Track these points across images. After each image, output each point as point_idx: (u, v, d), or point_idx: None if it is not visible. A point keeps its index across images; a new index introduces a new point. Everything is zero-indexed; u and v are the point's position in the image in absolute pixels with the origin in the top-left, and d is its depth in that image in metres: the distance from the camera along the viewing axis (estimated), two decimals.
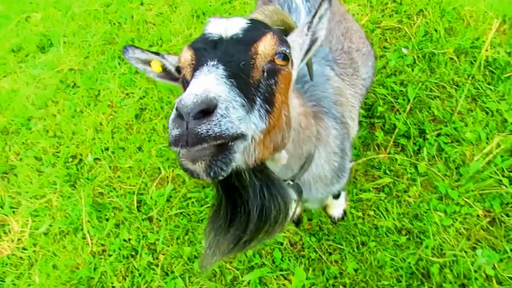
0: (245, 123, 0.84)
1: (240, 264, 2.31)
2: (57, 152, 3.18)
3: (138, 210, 2.68)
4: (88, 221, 2.73)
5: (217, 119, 0.77)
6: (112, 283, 2.45)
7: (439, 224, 2.11)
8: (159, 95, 3.20)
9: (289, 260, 2.24)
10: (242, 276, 2.27)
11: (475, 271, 1.95)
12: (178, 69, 1.04)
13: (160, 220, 2.59)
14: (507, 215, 2.05)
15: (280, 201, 1.08)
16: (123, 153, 2.99)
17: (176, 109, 0.78)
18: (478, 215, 2.10)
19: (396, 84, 2.64)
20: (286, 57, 1.01)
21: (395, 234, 2.16)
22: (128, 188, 2.79)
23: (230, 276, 2.29)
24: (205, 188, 2.62)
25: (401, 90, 2.61)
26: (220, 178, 0.84)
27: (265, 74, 0.96)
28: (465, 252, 2.02)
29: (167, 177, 2.75)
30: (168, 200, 2.65)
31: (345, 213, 2.28)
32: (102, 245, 2.63)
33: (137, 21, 3.79)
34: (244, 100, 0.85)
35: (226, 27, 0.99)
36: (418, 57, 2.72)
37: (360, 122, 2.57)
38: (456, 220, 2.11)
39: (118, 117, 3.22)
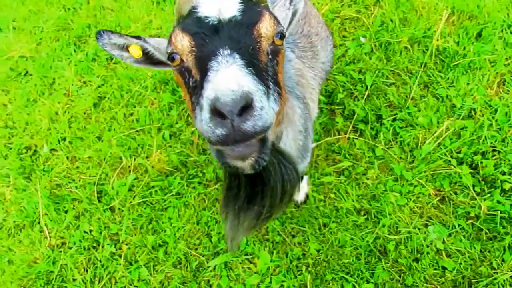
0: (271, 112, 0.85)
1: (205, 250, 2.32)
2: (9, 144, 3.01)
3: (99, 201, 2.61)
4: (46, 214, 2.63)
5: (258, 113, 0.77)
6: (73, 275, 2.38)
7: (394, 204, 2.22)
8: (118, 83, 3.11)
9: (254, 244, 2.27)
10: (207, 262, 2.28)
11: (427, 246, 2.08)
12: (172, 56, 0.98)
13: (122, 210, 2.54)
14: (455, 193, 2.20)
15: (294, 170, 1.16)
16: (82, 143, 2.89)
17: (213, 107, 0.75)
18: (429, 194, 2.23)
19: (354, 72, 2.72)
20: (283, 36, 1.00)
21: (355, 214, 2.25)
22: (88, 179, 2.70)
23: (195, 262, 2.29)
24: (168, 177, 2.59)
25: (360, 78, 2.70)
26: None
27: (270, 56, 0.96)
28: (418, 229, 2.15)
29: (129, 166, 2.69)
30: (130, 190, 2.60)
31: (307, 196, 2.35)
32: (62, 238, 2.55)
33: (93, 6, 3.63)
34: (264, 87, 0.85)
35: (220, 8, 0.94)
36: (375, 45, 2.82)
37: (321, 109, 2.64)
38: (410, 199, 2.23)
39: (75, 106, 3.10)
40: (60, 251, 2.48)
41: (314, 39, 1.84)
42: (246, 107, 0.75)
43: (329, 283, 2.10)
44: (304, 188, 2.33)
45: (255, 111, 0.77)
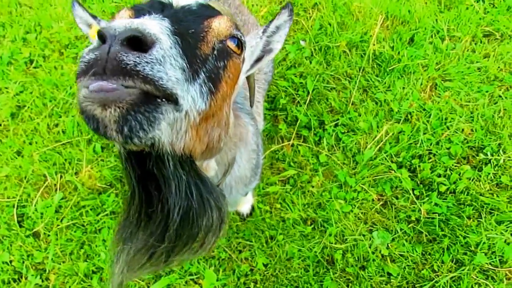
0: (181, 88, 0.63)
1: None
2: None
3: (20, 226, 2.25)
4: None
5: (151, 58, 0.57)
6: None
7: (340, 212, 2.16)
8: (40, 89, 2.72)
9: (198, 263, 2.09)
10: (148, 287, 2.05)
11: (373, 253, 2.05)
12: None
13: (48, 235, 2.21)
14: (397, 198, 2.19)
15: (214, 206, 0.84)
16: None
17: (99, 34, 0.56)
18: (373, 199, 2.20)
19: (296, 76, 2.62)
20: (239, 44, 0.84)
21: (301, 224, 2.15)
22: (6, 201, 2.32)
23: None
24: (101, 194, 2.30)
25: (301, 82, 2.61)
26: (135, 141, 0.60)
27: (215, 52, 0.78)
28: (363, 235, 2.10)
29: (55, 184, 2.35)
30: (57, 211, 2.27)
31: (253, 208, 2.21)
32: None
33: (7, 2, 3.15)
34: (186, 65, 0.65)
35: (177, 1, 0.80)
36: (315, 49, 2.74)
37: (264, 115, 2.51)
38: (355, 206, 2.18)
39: None
40: None
41: None
42: (139, 45, 0.56)
43: None
44: (249, 200, 2.19)
45: (149, 55, 0.57)
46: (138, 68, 0.55)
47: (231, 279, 2.04)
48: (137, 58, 0.56)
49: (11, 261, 2.16)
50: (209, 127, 0.78)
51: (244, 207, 2.18)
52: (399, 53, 2.65)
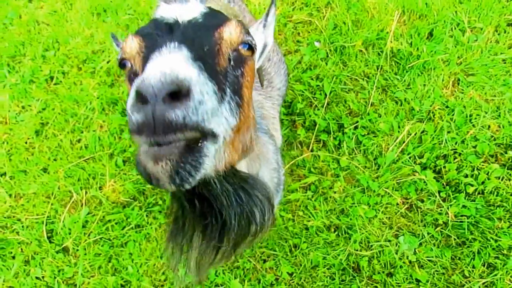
0: (217, 117, 0.66)
1: (172, 286, 2.09)
2: None
3: (50, 242, 2.29)
4: None
5: (194, 105, 0.58)
6: None
7: (364, 217, 2.10)
8: (62, 106, 2.75)
9: (224, 274, 2.08)
10: None
11: (400, 259, 1.98)
12: (122, 63, 0.80)
13: (77, 250, 2.24)
14: (422, 201, 2.11)
15: (262, 198, 0.91)
16: (25, 177, 2.53)
17: (136, 91, 0.57)
18: (397, 203, 2.13)
19: (312, 79, 2.56)
20: (251, 48, 0.84)
21: (325, 232, 2.11)
22: (35, 218, 2.37)
23: None
24: (125, 208, 2.32)
25: (318, 85, 2.54)
26: (186, 187, 0.65)
27: (232, 63, 0.79)
28: (389, 241, 2.04)
29: (81, 200, 2.38)
30: (84, 226, 2.30)
31: (276, 217, 2.17)
32: (11, 287, 2.21)
33: (26, 21, 3.20)
34: (215, 86, 0.67)
35: (181, 11, 0.80)
36: (330, 50, 2.67)
37: (281, 120, 2.46)
38: (379, 210, 2.12)
39: (14, 135, 2.71)
40: None
41: (266, 65, 1.64)
42: (178, 95, 0.57)
43: None
44: None
45: (191, 101, 0.58)
46: (186, 121, 0.57)
47: None
48: (184, 111, 0.57)
49: (43, 277, 2.20)
50: (241, 136, 0.82)
51: None
52: (418, 49, 2.55)
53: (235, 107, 0.75)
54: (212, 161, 0.68)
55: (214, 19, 0.80)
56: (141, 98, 0.57)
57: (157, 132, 0.57)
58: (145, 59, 0.74)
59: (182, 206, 0.86)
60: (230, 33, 0.79)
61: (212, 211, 0.85)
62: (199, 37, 0.74)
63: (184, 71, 0.60)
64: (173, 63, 0.61)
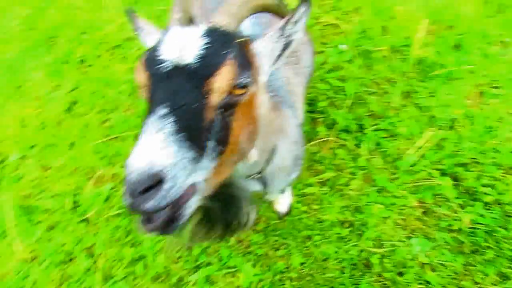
0: (194, 174, 0.82)
1: (186, 263, 2.15)
2: None
3: (73, 212, 2.38)
4: (16, 225, 2.38)
5: (164, 194, 0.75)
6: None
7: (378, 216, 2.13)
8: (92, 87, 2.87)
9: (236, 257, 2.12)
10: (188, 276, 2.12)
11: (411, 259, 2.00)
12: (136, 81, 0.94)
13: (98, 222, 2.33)
14: (438, 206, 2.12)
15: (242, 213, 1.18)
16: (53, 150, 2.64)
17: (125, 178, 0.75)
18: (413, 206, 2.14)
19: (336, 80, 2.61)
20: (245, 86, 0.90)
21: (338, 226, 2.14)
22: (61, 189, 2.46)
23: (176, 276, 2.12)
24: None
25: (341, 86, 2.59)
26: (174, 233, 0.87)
27: (221, 110, 0.87)
28: (402, 241, 2.06)
29: (105, 175, 2.47)
30: (106, 200, 2.39)
31: (290, 208, 2.22)
32: (33, 251, 2.31)
33: (63, 5, 3.35)
34: (195, 151, 0.81)
35: (182, 49, 0.86)
36: (355, 54, 2.71)
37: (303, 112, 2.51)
38: (394, 211, 2.14)
39: (46, 111, 2.84)
40: (32, 265, 2.25)
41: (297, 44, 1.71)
42: (153, 185, 0.74)
43: None
44: (287, 200, 2.20)
45: (161, 191, 0.75)
46: (157, 208, 0.75)
47: (267, 275, 2.06)
48: (155, 202, 0.74)
49: (64, 244, 2.29)
50: (228, 163, 0.95)
51: (282, 206, 2.19)
52: (444, 58, 2.57)
53: (216, 155, 0.87)
54: (194, 204, 0.87)
55: (209, 64, 0.84)
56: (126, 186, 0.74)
57: (139, 213, 0.78)
58: (148, 101, 0.88)
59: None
60: (220, 83, 0.84)
61: (205, 217, 1.10)
62: (189, 93, 0.83)
63: (162, 161, 0.74)
64: (151, 152, 0.75)
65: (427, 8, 2.80)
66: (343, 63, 2.67)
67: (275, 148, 1.28)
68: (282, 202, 2.19)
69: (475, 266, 1.94)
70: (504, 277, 1.90)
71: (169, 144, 0.77)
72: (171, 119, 0.79)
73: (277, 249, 2.14)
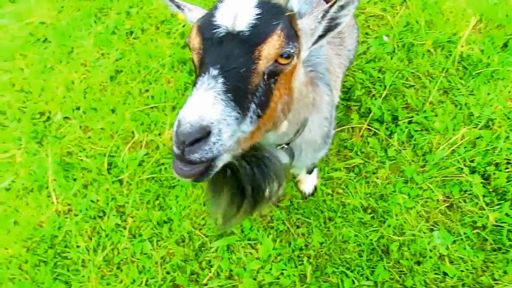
0: (234, 135, 0.91)
1: (209, 231, 2.33)
2: (23, 107, 3.03)
3: (108, 172, 2.63)
4: (54, 180, 2.65)
5: (209, 147, 0.85)
6: (76, 242, 2.41)
7: (402, 206, 2.22)
8: (136, 58, 3.10)
9: (258, 231, 2.29)
10: (210, 243, 2.30)
11: (431, 250, 2.09)
12: (189, 47, 1.05)
13: (130, 184, 2.56)
14: (464, 201, 2.19)
15: (272, 175, 1.24)
16: (95, 114, 2.90)
17: (176, 129, 0.85)
18: (438, 200, 2.22)
19: (374, 70, 2.70)
20: (291, 55, 1.00)
21: (361, 212, 2.25)
22: (99, 150, 2.72)
23: (198, 242, 2.31)
24: None
25: (379, 77, 2.68)
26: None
27: (265, 77, 0.98)
28: (423, 232, 2.15)
29: (141, 141, 2.70)
30: (140, 165, 2.61)
31: (315, 189, 2.35)
32: (68, 204, 2.57)
33: None
34: (238, 112, 0.90)
35: (236, 16, 0.96)
36: (397, 46, 2.79)
37: (337, 106, 2.63)
38: (418, 203, 2.23)
39: (91, 77, 3.10)
40: (66, 217, 2.51)
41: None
42: (201, 138, 0.84)
43: (329, 276, 2.11)
44: (313, 181, 2.34)
45: (207, 145, 0.84)
46: (202, 160, 0.87)
47: (286, 250, 2.21)
48: (201, 154, 0.85)
49: (97, 201, 2.54)
50: (262, 130, 1.05)
51: (307, 186, 2.33)
52: (489, 57, 2.61)
53: (256, 119, 0.97)
54: (225, 159, 0.97)
55: (259, 32, 0.93)
56: (177, 137, 0.85)
57: (185, 162, 0.89)
58: (199, 65, 0.98)
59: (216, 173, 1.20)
60: (268, 51, 0.94)
61: (235, 180, 1.19)
62: (240, 58, 0.92)
63: (211, 116, 0.84)
64: (203, 107, 0.85)
65: (478, 5, 2.83)
66: (384, 55, 2.76)
67: (306, 121, 1.38)
68: (308, 182, 2.33)
69: (495, 263, 2.00)
70: None
71: (218, 102, 0.87)
72: (222, 79, 0.89)
73: (298, 227, 2.29)
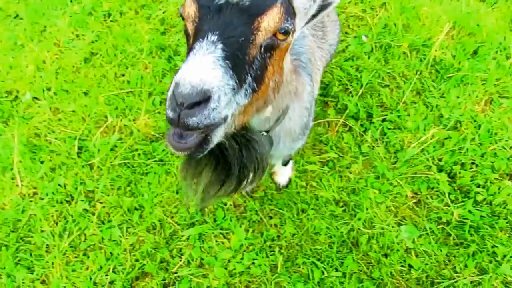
0: (230, 105, 0.89)
1: (181, 219, 2.32)
2: None
3: (78, 156, 2.56)
4: (20, 162, 2.55)
5: (208, 112, 0.82)
6: (41, 227, 2.33)
7: (372, 200, 2.30)
8: (113, 41, 3.04)
9: (231, 220, 2.30)
10: (182, 231, 2.29)
11: (398, 244, 2.17)
12: (181, 17, 1.02)
13: (101, 169, 2.50)
14: (431, 198, 2.30)
15: (258, 157, 1.26)
16: (67, 96, 2.82)
17: (173, 91, 0.81)
18: (406, 196, 2.32)
19: (352, 68, 2.78)
20: (287, 32, 1.00)
21: (333, 205, 2.31)
22: (69, 133, 2.64)
23: (169, 230, 2.30)
24: (153, 142, 2.57)
25: (356, 75, 2.76)
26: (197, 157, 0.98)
27: (262, 49, 0.97)
28: (392, 226, 2.23)
29: (114, 126, 2.65)
30: (112, 150, 2.56)
31: (290, 181, 2.39)
32: (34, 188, 2.49)
33: None
34: (235, 82, 0.88)
35: None
36: (375, 46, 2.88)
37: (315, 100, 2.68)
38: (388, 198, 2.31)
39: (64, 57, 3.01)
40: (31, 201, 2.43)
41: (325, 19, 1.86)
42: (199, 102, 0.80)
43: (300, 267, 2.16)
44: (288, 173, 2.37)
45: (206, 110, 0.81)
46: (199, 126, 0.82)
47: (258, 240, 2.24)
48: (199, 118, 0.81)
49: (65, 185, 2.47)
50: (254, 105, 1.05)
51: (282, 178, 2.36)
52: (460, 63, 2.74)
53: (250, 92, 0.95)
54: (220, 134, 0.95)
55: (260, 2, 0.91)
56: (175, 99, 0.81)
57: (180, 127, 0.83)
58: (195, 33, 0.94)
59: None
60: (268, 23, 0.92)
61: (222, 157, 1.20)
62: (239, 27, 0.90)
63: (211, 81, 0.81)
64: (203, 70, 0.82)
65: (452, 13, 2.97)
66: (362, 54, 2.84)
67: (287, 109, 1.40)
68: (283, 174, 2.36)
69: (457, 257, 2.11)
70: (482, 270, 2.08)
71: (217, 67, 0.83)
72: (221, 45, 0.86)
73: (271, 218, 2.32)
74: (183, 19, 1.03)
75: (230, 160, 1.21)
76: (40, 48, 3.04)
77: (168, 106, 0.82)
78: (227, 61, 0.85)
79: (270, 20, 0.94)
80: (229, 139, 1.12)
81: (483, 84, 2.68)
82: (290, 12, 1.00)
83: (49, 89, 2.85)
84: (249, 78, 0.94)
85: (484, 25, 2.92)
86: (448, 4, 3.11)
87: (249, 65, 0.93)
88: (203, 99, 0.80)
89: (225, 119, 0.90)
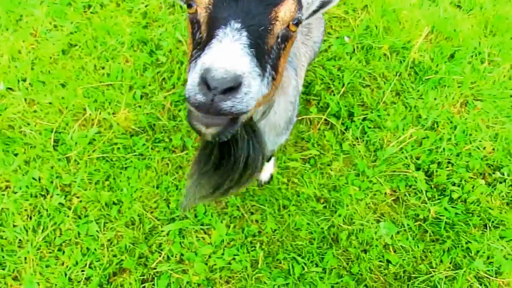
0: (258, 92, 0.88)
1: (161, 214, 2.30)
2: None
3: (55, 149, 2.49)
4: None
5: (241, 97, 0.81)
6: (14, 221, 2.25)
7: (352, 197, 2.34)
8: (93, 33, 2.97)
9: (212, 216, 2.29)
10: (161, 227, 2.26)
11: (377, 240, 2.22)
12: (190, 4, 0.99)
13: (78, 163, 2.45)
14: (409, 195, 2.36)
15: (262, 149, 1.25)
16: (43, 87, 2.74)
17: (203, 76, 0.79)
18: (385, 193, 2.37)
19: (334, 68, 2.83)
20: (298, 23, 1.02)
21: (314, 201, 2.34)
22: (45, 125, 2.57)
23: (149, 225, 2.27)
24: (133, 136, 2.53)
25: (338, 74, 2.81)
26: (222, 140, 0.95)
27: (279, 40, 0.98)
28: (371, 223, 2.28)
29: (93, 119, 2.59)
30: (90, 143, 2.51)
31: (271, 177, 2.40)
32: (7, 181, 2.40)
33: None
34: (260, 70, 0.88)
35: None
36: (357, 47, 2.94)
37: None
38: (367, 195, 2.36)
39: (41, 48, 2.92)
40: (3, 194, 2.34)
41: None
42: (232, 88, 0.80)
43: (280, 262, 2.17)
44: (270, 169, 2.39)
45: (239, 95, 0.81)
46: (232, 110, 0.82)
47: (239, 236, 2.24)
48: (233, 103, 0.81)
49: (40, 178, 2.39)
50: (270, 96, 1.05)
51: (264, 174, 2.38)
52: (437, 65, 2.84)
53: (271, 81, 0.96)
54: (241, 122, 0.96)
55: None
56: (206, 83, 0.80)
57: (210, 113, 0.83)
58: (211, 21, 0.92)
59: (211, 144, 1.18)
60: (285, 13, 0.94)
61: (231, 151, 1.17)
62: (259, 16, 0.90)
63: (242, 66, 0.81)
64: (234, 57, 0.82)
65: (430, 17, 3.07)
66: (344, 54, 2.89)
67: (273, 103, 1.39)
68: (265, 170, 2.37)
69: (433, 253, 2.18)
70: (457, 265, 2.15)
71: (245, 54, 0.84)
72: (245, 33, 0.86)
73: (253, 213, 2.32)
74: (189, 6, 1.01)
75: (239, 151, 1.19)
76: (15, 37, 2.95)
77: (198, 91, 0.81)
78: (252, 49, 0.86)
79: (286, 11, 0.95)
80: (240, 129, 1.11)
81: (459, 86, 2.78)
82: (301, 6, 1.03)
83: (24, 80, 2.76)
84: (269, 67, 0.95)
85: (460, 30, 3.03)
86: (427, 9, 3.22)
87: (268, 54, 0.94)
88: (235, 85, 0.80)
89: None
